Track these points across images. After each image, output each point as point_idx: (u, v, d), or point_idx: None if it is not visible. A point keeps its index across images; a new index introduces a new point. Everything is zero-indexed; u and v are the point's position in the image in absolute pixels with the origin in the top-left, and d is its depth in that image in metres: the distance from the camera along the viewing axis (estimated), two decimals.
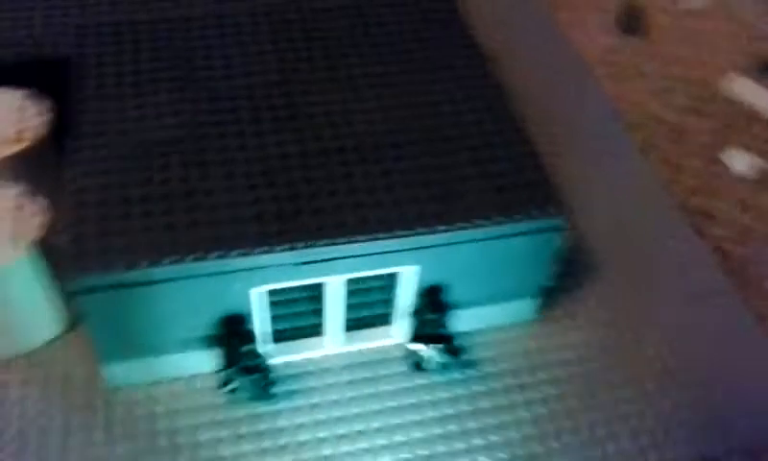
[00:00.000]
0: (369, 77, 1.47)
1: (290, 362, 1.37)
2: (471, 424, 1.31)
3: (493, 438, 1.30)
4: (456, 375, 1.37)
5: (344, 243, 1.21)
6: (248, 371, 1.27)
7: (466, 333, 1.42)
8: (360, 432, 1.29)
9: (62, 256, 1.16)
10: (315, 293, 1.35)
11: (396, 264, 1.28)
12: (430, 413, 1.32)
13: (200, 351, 1.30)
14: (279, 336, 1.36)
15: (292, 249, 1.19)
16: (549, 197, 1.31)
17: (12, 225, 1.25)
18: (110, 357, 1.27)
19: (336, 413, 1.31)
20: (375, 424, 1.30)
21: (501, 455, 1.28)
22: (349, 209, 1.24)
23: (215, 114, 1.37)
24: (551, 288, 1.47)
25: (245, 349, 1.27)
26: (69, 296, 1.30)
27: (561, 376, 1.39)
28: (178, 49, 1.49)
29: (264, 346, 1.33)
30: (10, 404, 1.28)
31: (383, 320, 1.41)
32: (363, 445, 1.28)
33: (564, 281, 1.53)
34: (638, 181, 1.78)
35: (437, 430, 1.30)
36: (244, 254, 1.18)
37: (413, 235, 1.23)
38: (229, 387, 1.28)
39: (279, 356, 1.36)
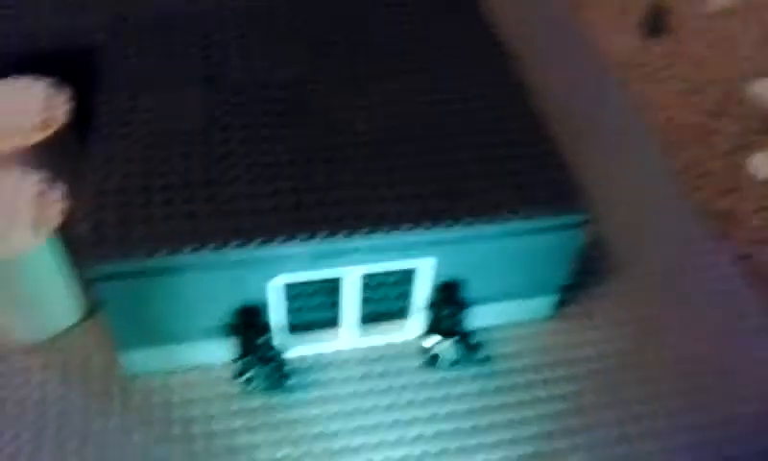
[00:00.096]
0: (390, 71, 1.48)
1: (305, 354, 1.37)
2: (486, 420, 1.31)
3: (508, 435, 1.29)
4: (472, 370, 1.37)
5: (362, 235, 1.21)
6: (263, 361, 1.28)
7: (482, 329, 1.42)
8: (374, 426, 1.29)
9: (82, 243, 1.17)
10: (332, 286, 1.35)
11: (414, 258, 1.28)
12: (445, 408, 1.32)
13: (216, 340, 1.31)
14: (295, 328, 1.36)
15: (310, 239, 1.19)
16: (570, 194, 1.30)
17: (34, 212, 1.27)
18: (128, 345, 1.28)
19: (350, 406, 1.31)
20: (390, 419, 1.30)
21: (515, 452, 1.27)
22: (368, 202, 1.24)
23: (237, 106, 1.38)
24: (569, 286, 1.46)
25: (261, 339, 1.28)
26: (88, 283, 1.31)
27: (576, 374, 1.38)
28: (202, 41, 1.50)
29: (280, 337, 1.33)
30: (30, 388, 1.30)
31: (399, 314, 1.41)
32: (377, 438, 1.28)
33: (582, 279, 1.52)
34: (661, 182, 1.77)
35: (452, 426, 1.30)
36: (263, 244, 1.18)
37: (431, 229, 1.23)
38: (245, 377, 1.28)
39: (295, 348, 1.37)
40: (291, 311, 1.35)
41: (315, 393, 1.32)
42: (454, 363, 1.36)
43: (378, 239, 1.22)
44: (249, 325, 1.28)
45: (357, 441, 1.27)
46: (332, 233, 1.20)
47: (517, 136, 1.38)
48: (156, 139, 1.31)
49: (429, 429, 1.29)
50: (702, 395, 1.37)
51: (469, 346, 1.35)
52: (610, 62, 2.12)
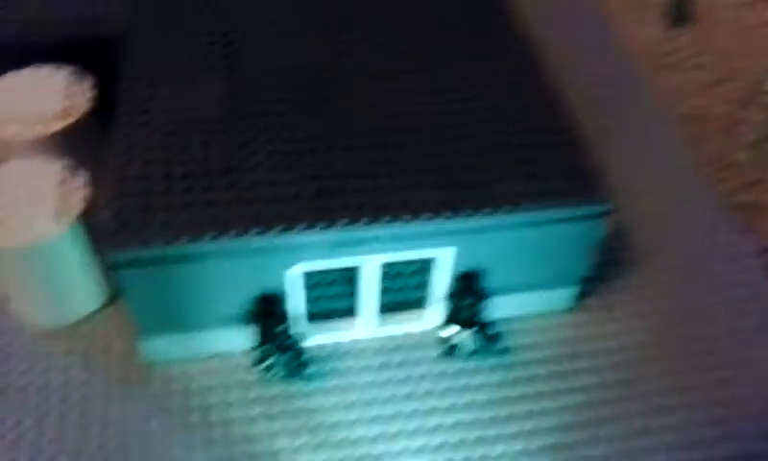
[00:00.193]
0: (411, 59, 1.47)
1: (324, 343, 1.37)
2: (505, 411, 1.30)
3: (527, 426, 1.29)
4: (490, 361, 1.36)
5: (381, 224, 1.21)
6: (282, 350, 1.28)
7: (502, 320, 1.41)
8: (392, 415, 1.29)
9: (104, 231, 1.18)
10: (351, 274, 1.35)
11: (433, 248, 1.27)
12: (463, 399, 1.31)
13: (235, 328, 1.31)
14: (314, 317, 1.37)
15: (330, 228, 1.19)
16: (592, 185, 1.29)
17: (56, 199, 1.28)
18: (148, 332, 1.29)
19: (369, 396, 1.31)
20: (408, 408, 1.30)
21: (534, 443, 1.27)
22: (388, 191, 1.24)
23: (257, 94, 1.38)
24: (590, 277, 1.45)
25: (280, 328, 1.28)
26: (109, 270, 1.32)
27: (596, 366, 1.37)
28: (223, 30, 1.50)
29: (299, 326, 1.33)
30: (53, 374, 1.31)
31: (418, 304, 1.40)
32: (395, 428, 1.27)
33: (603, 271, 1.51)
34: (685, 173, 1.75)
35: (470, 416, 1.29)
36: (282, 232, 1.18)
37: (451, 219, 1.22)
38: (264, 365, 1.29)
39: (314, 337, 1.37)
40: (310, 300, 1.35)
41: (333, 382, 1.32)
42: (473, 354, 1.35)
43: (398, 228, 1.22)
44: (268, 313, 1.28)
45: (375, 430, 1.27)
46: (352, 222, 1.20)
47: (539, 127, 1.37)
48: (177, 127, 1.31)
49: (448, 419, 1.29)
50: (723, 389, 1.35)
51: (489, 336, 1.34)
52: (633, 53, 2.09)
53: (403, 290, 1.42)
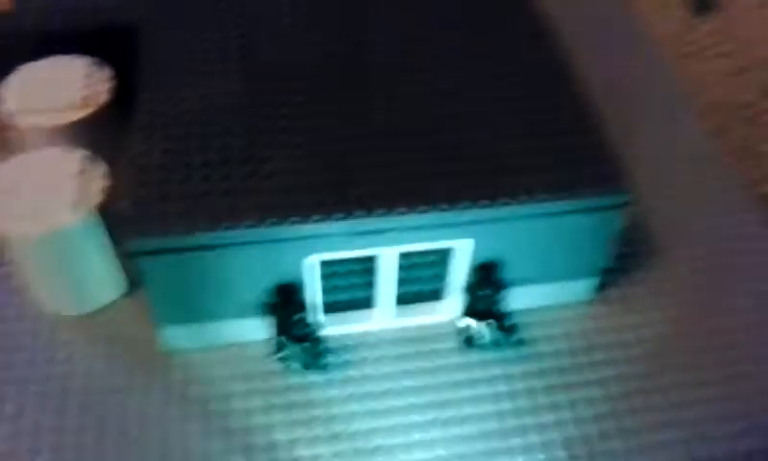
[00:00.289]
0: (429, 48, 1.46)
1: (341, 334, 1.37)
2: (522, 403, 1.30)
3: (545, 418, 1.28)
4: (508, 352, 1.35)
5: (398, 214, 1.20)
6: (299, 339, 1.28)
7: (520, 312, 1.40)
8: (409, 406, 1.29)
9: (123, 219, 1.18)
10: (368, 265, 1.34)
11: (451, 238, 1.27)
12: (481, 390, 1.31)
13: (253, 318, 1.32)
14: (332, 307, 1.37)
15: (347, 217, 1.19)
16: (612, 175, 1.27)
17: (76, 188, 1.29)
18: (167, 321, 1.30)
19: (386, 386, 1.31)
20: (425, 399, 1.30)
21: (551, 436, 1.26)
22: (406, 181, 1.23)
23: (275, 84, 1.38)
24: (610, 269, 1.44)
25: (297, 317, 1.28)
26: (129, 258, 1.33)
27: (614, 359, 1.36)
28: (242, 19, 1.50)
29: (316, 316, 1.33)
30: (73, 362, 1.32)
31: (435, 295, 1.40)
32: (412, 418, 1.27)
33: (623, 263, 1.49)
34: (708, 163, 1.72)
35: (487, 408, 1.29)
36: (300, 222, 1.18)
37: (469, 208, 1.22)
38: (281, 354, 1.29)
39: (331, 327, 1.37)
40: (327, 290, 1.35)
41: (350, 372, 1.32)
42: (490, 345, 1.35)
43: (415, 218, 1.21)
44: (285, 303, 1.28)
45: (391, 421, 1.27)
46: (369, 212, 1.20)
47: (559, 117, 1.35)
48: (195, 117, 1.31)
49: (466, 410, 1.29)
50: (745, 383, 1.34)
51: (506, 328, 1.34)
52: (656, 42, 2.07)
53: (421, 281, 1.41)
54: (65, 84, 1.44)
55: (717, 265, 1.52)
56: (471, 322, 1.34)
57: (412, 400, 1.30)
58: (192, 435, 1.24)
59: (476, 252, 1.30)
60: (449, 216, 1.22)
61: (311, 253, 1.23)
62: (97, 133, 1.41)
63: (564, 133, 1.33)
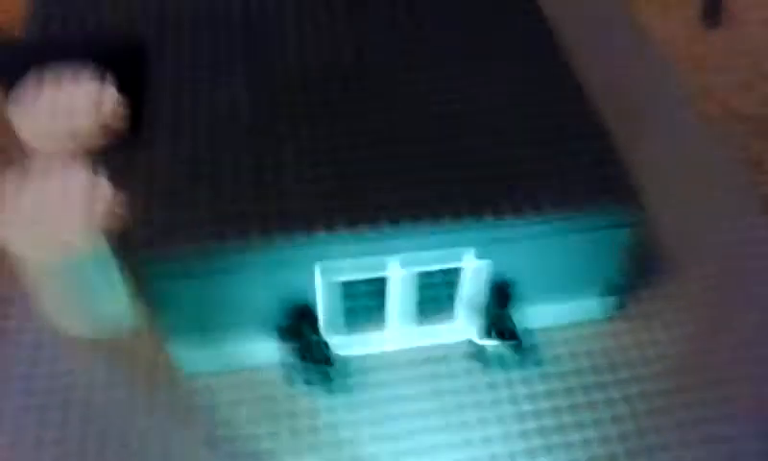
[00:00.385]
0: (441, 59, 1.45)
1: (354, 355, 1.35)
2: (539, 423, 1.27)
3: (563, 438, 1.25)
4: (525, 372, 1.33)
5: (412, 233, 1.19)
6: (310, 362, 1.27)
7: (536, 330, 1.38)
8: (423, 429, 1.26)
9: (133, 242, 1.17)
10: (381, 285, 1.33)
11: (465, 257, 1.25)
12: (497, 411, 1.29)
13: (264, 340, 1.30)
14: (344, 328, 1.35)
15: (360, 238, 1.18)
16: (625, 190, 1.26)
17: (87, 211, 1.28)
18: (177, 341, 1.28)
19: (399, 409, 1.29)
20: (440, 422, 1.27)
21: (572, 456, 1.24)
22: (419, 200, 1.22)
23: (287, 94, 1.37)
24: (627, 285, 1.42)
25: (308, 339, 1.26)
26: (140, 280, 1.32)
27: (632, 376, 1.34)
28: (252, 29, 1.49)
29: (328, 337, 1.32)
30: (79, 385, 1.30)
31: (449, 314, 1.38)
32: (434, 440, 1.25)
33: (639, 279, 1.47)
34: (719, 177, 1.71)
35: (503, 429, 1.27)
36: (312, 242, 1.17)
37: (481, 226, 1.20)
38: (292, 378, 1.27)
39: (343, 348, 1.35)
40: (340, 310, 1.33)
41: (363, 395, 1.30)
42: (507, 365, 1.33)
43: (430, 238, 1.20)
44: (296, 324, 1.27)
45: (406, 445, 1.25)
46: (381, 231, 1.18)
47: (570, 131, 1.34)
48: (206, 133, 1.30)
49: (483, 432, 1.26)
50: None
51: (523, 347, 1.32)
52: (665, 54, 2.06)
53: (435, 300, 1.40)
54: (75, 105, 1.43)
55: (734, 279, 1.50)
56: (488, 341, 1.32)
57: (427, 422, 1.27)
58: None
59: (490, 270, 1.28)
60: (463, 235, 1.21)
61: (323, 273, 1.22)
62: (108, 155, 1.40)
63: (576, 149, 1.31)
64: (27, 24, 1.57)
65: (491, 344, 1.32)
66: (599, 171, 1.28)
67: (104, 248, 1.27)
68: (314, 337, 1.26)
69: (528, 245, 1.26)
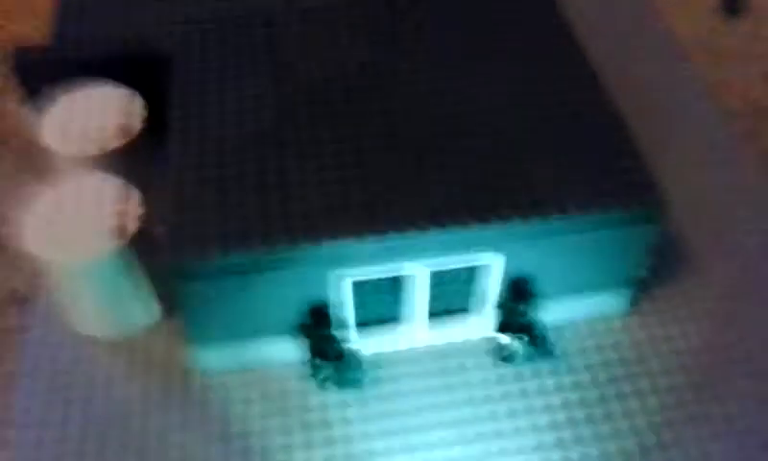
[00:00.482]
0: (459, 60, 1.46)
1: (372, 351, 1.38)
2: (559, 418, 1.29)
3: (582, 432, 1.27)
4: (542, 367, 1.35)
5: (430, 231, 1.21)
6: (328, 358, 1.29)
7: (554, 325, 1.40)
8: (440, 423, 1.29)
9: (158, 245, 1.20)
10: (399, 282, 1.35)
11: (483, 253, 1.27)
12: (515, 405, 1.31)
13: (283, 338, 1.33)
14: (362, 325, 1.37)
15: (378, 236, 1.20)
16: (645, 185, 1.26)
17: (111, 216, 1.31)
18: (200, 342, 1.31)
19: (416, 404, 1.31)
20: (458, 416, 1.30)
21: (591, 450, 1.25)
22: (435, 197, 1.24)
23: (309, 104, 1.40)
24: (644, 280, 1.43)
25: (326, 336, 1.29)
26: (164, 282, 1.35)
27: (641, 371, 1.35)
28: (276, 42, 1.52)
29: (347, 334, 1.34)
30: (99, 385, 1.34)
31: (466, 310, 1.40)
32: (450, 434, 1.27)
33: (657, 274, 1.48)
34: (740, 171, 1.70)
35: (523, 423, 1.29)
36: (332, 242, 1.20)
37: (500, 224, 1.22)
38: (310, 374, 1.30)
39: (361, 345, 1.37)
40: (358, 307, 1.36)
41: (381, 390, 1.33)
42: (525, 359, 1.34)
43: (446, 236, 1.22)
44: (315, 322, 1.29)
45: (429, 437, 1.27)
46: (400, 229, 1.20)
47: (588, 126, 1.35)
48: (231, 140, 1.33)
49: (502, 426, 1.28)
50: None
51: (540, 342, 1.33)
52: (685, 45, 2.05)
53: (452, 297, 1.41)
54: (100, 113, 1.47)
55: (753, 275, 1.50)
56: (504, 337, 1.34)
57: (445, 416, 1.29)
58: (214, 458, 1.25)
59: (508, 267, 1.30)
60: (480, 233, 1.22)
61: (343, 271, 1.24)
62: (132, 161, 1.44)
63: (594, 144, 1.32)
64: (52, 33, 1.61)
65: (508, 339, 1.33)
66: (617, 167, 1.29)
67: (126, 251, 1.30)
68: (327, 334, 1.28)
69: (546, 242, 1.27)
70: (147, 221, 1.33)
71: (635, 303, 1.43)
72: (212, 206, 1.24)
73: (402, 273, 1.27)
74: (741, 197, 1.64)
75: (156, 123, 1.45)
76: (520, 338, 1.32)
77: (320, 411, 1.30)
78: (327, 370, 1.29)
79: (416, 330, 1.38)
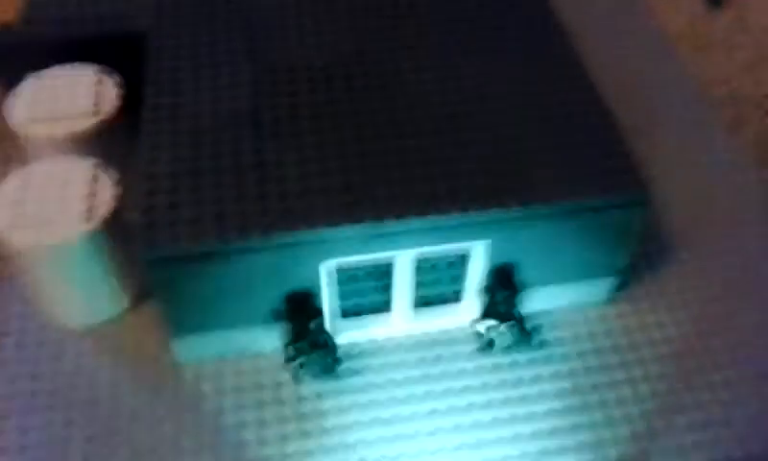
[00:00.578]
0: (445, 48, 1.44)
1: (357, 340, 1.35)
2: (543, 407, 1.27)
3: (566, 421, 1.25)
4: (527, 355, 1.33)
5: (414, 218, 1.18)
6: (314, 347, 1.26)
7: (539, 313, 1.38)
8: (428, 412, 1.26)
9: (133, 229, 1.16)
10: (383, 269, 1.32)
11: (467, 240, 1.24)
12: (500, 394, 1.28)
13: (267, 326, 1.29)
14: (347, 313, 1.34)
15: (361, 222, 1.17)
16: (629, 173, 1.25)
17: (85, 198, 1.27)
18: (179, 331, 1.28)
19: (404, 392, 1.29)
20: (444, 405, 1.27)
21: (575, 439, 1.23)
22: (420, 183, 1.21)
23: (288, 86, 1.36)
24: (628, 268, 1.41)
25: (312, 324, 1.26)
26: (139, 268, 1.31)
27: (633, 359, 1.33)
28: (253, 22, 1.48)
29: (331, 322, 1.31)
30: (82, 374, 1.30)
31: (453, 298, 1.37)
32: (435, 424, 1.25)
33: (642, 262, 1.46)
34: (726, 160, 1.69)
35: (507, 412, 1.26)
36: (312, 228, 1.16)
37: (485, 210, 1.19)
38: (296, 363, 1.27)
39: (347, 333, 1.34)
40: (342, 296, 1.33)
41: (367, 379, 1.30)
42: (510, 348, 1.32)
43: (430, 222, 1.19)
44: (299, 310, 1.26)
45: (411, 428, 1.24)
46: (383, 216, 1.17)
47: (575, 114, 1.33)
48: (207, 122, 1.30)
49: (486, 415, 1.26)
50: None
51: (525, 330, 1.31)
52: (669, 36, 2.04)
53: (437, 284, 1.39)
54: (74, 94, 1.43)
55: (739, 261, 1.49)
56: (490, 325, 1.31)
57: (432, 405, 1.27)
58: (204, 447, 1.22)
59: (493, 254, 1.27)
60: (464, 219, 1.20)
61: (325, 258, 1.21)
62: (106, 143, 1.40)
63: (579, 131, 1.30)
64: (22, 13, 1.56)
65: (495, 327, 1.31)
66: (604, 155, 1.27)
67: (102, 234, 1.26)
68: (306, 323, 1.25)
69: (531, 228, 1.25)
70: (120, 204, 1.29)
71: (626, 288, 1.41)
72: (187, 190, 1.20)
73: (386, 257, 1.24)
74: (726, 184, 1.63)
75: (132, 102, 1.41)
76: (507, 325, 1.30)
77: (295, 402, 1.27)
78: (305, 359, 1.26)
79: (397, 319, 1.35)
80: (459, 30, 1.48)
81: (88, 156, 1.35)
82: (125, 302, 1.39)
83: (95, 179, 1.30)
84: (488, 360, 1.32)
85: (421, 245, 1.23)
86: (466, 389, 1.29)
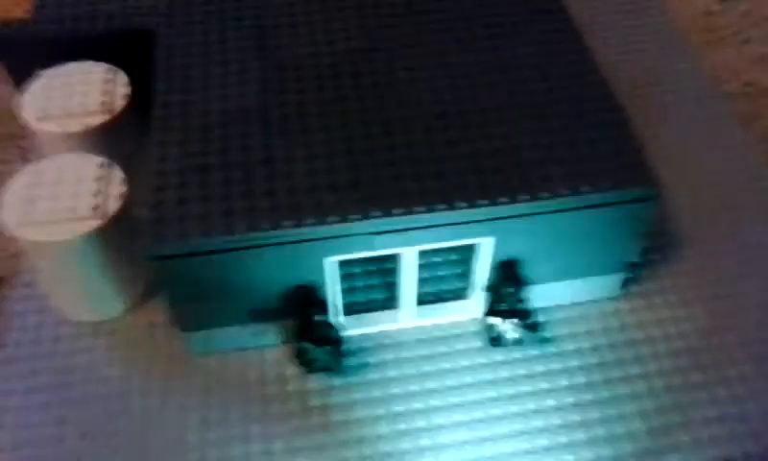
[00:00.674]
0: (453, 44, 1.44)
1: (363, 335, 1.35)
2: (550, 402, 1.27)
3: (573, 417, 1.25)
4: (534, 351, 1.33)
5: (420, 213, 1.18)
6: (320, 342, 1.26)
7: (546, 309, 1.37)
8: (435, 408, 1.27)
9: (141, 225, 1.17)
10: (390, 265, 1.32)
11: (474, 236, 1.24)
12: (507, 390, 1.28)
13: (274, 321, 1.30)
14: (353, 308, 1.35)
15: (367, 217, 1.17)
16: (639, 168, 1.24)
17: (94, 194, 1.28)
18: (186, 326, 1.29)
19: (410, 388, 1.29)
20: (451, 400, 1.27)
21: (582, 435, 1.23)
22: (427, 179, 1.21)
23: (297, 83, 1.37)
24: (636, 264, 1.40)
25: (318, 320, 1.26)
26: (148, 264, 1.32)
27: (648, 354, 1.33)
28: (262, 19, 1.49)
29: (337, 317, 1.31)
30: (92, 369, 1.31)
31: (459, 293, 1.37)
32: (438, 421, 1.25)
33: (651, 257, 1.46)
34: (738, 154, 1.67)
35: (513, 408, 1.26)
36: (319, 223, 1.17)
37: (490, 206, 1.19)
38: (302, 358, 1.27)
39: (353, 329, 1.35)
40: (349, 291, 1.33)
41: (374, 374, 1.30)
42: (517, 343, 1.32)
43: (437, 217, 1.19)
44: (306, 305, 1.26)
45: (418, 423, 1.25)
46: (390, 211, 1.18)
47: (584, 107, 1.33)
48: (214, 119, 1.30)
49: (493, 411, 1.26)
50: None
51: (532, 326, 1.31)
52: (681, 29, 2.02)
53: (444, 280, 1.39)
54: (83, 91, 1.44)
55: (751, 256, 1.47)
56: (496, 320, 1.31)
57: (438, 401, 1.27)
58: (212, 442, 1.22)
59: (498, 249, 1.27)
60: (470, 214, 1.20)
61: (331, 254, 1.22)
62: (116, 139, 1.41)
63: (587, 125, 1.30)
64: (34, 15, 1.57)
65: (500, 323, 1.31)
66: (611, 149, 1.27)
67: (110, 230, 1.27)
68: (321, 318, 1.26)
69: (537, 224, 1.25)
70: (129, 200, 1.30)
71: (629, 285, 1.40)
72: (196, 186, 1.21)
73: (391, 253, 1.24)
74: (737, 178, 1.62)
75: (141, 99, 1.42)
76: (513, 322, 1.30)
77: (314, 396, 1.27)
78: (314, 353, 1.26)
79: (404, 314, 1.36)
80: (472, 26, 1.47)
81: (98, 152, 1.36)
82: (136, 296, 1.40)
83: (104, 175, 1.32)
84: (494, 356, 1.32)
85: (427, 240, 1.22)
86: (476, 384, 1.29)
